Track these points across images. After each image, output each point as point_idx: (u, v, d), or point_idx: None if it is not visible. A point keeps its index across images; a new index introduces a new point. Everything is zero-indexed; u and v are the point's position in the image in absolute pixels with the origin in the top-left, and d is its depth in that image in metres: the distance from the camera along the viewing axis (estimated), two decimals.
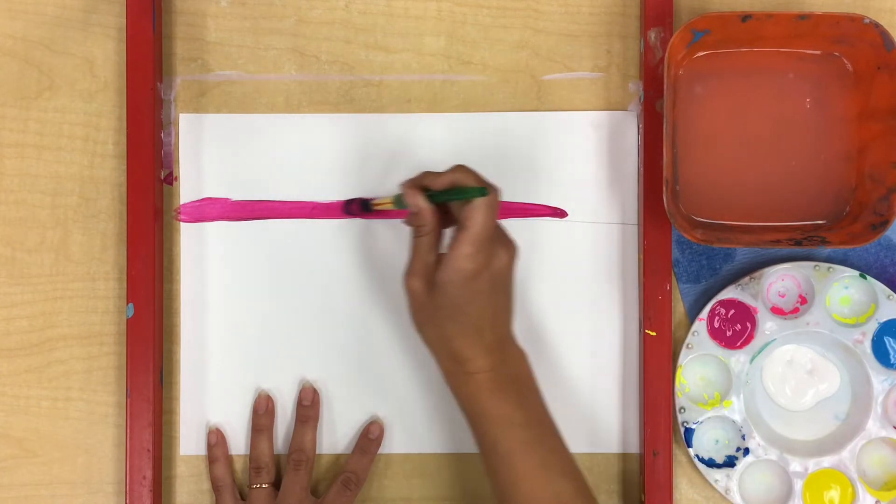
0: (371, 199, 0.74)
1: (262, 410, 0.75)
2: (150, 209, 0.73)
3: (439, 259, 0.66)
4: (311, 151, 0.76)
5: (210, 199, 0.76)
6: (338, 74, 0.77)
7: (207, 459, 0.75)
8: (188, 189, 0.76)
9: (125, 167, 0.74)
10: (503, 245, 0.66)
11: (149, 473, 0.72)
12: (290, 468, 0.73)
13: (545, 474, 0.65)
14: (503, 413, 0.66)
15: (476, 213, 0.63)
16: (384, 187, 0.75)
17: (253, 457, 0.74)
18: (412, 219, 0.67)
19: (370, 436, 0.75)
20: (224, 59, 0.77)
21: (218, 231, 0.76)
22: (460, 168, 0.66)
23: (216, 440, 0.75)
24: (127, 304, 0.73)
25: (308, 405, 0.75)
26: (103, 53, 0.77)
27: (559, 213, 0.76)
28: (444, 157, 0.75)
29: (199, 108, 0.76)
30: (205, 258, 0.76)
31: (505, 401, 0.66)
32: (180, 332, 0.75)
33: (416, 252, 0.67)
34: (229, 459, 0.75)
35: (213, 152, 0.76)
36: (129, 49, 0.74)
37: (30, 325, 0.76)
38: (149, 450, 0.72)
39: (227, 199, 0.76)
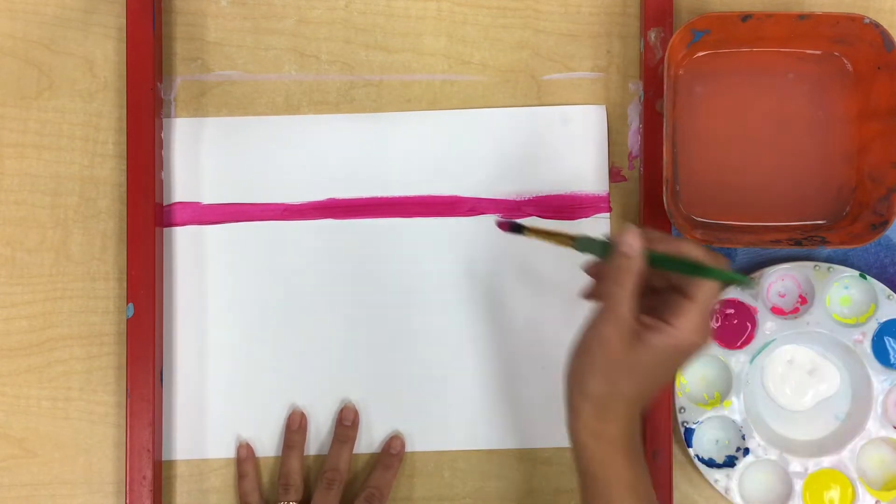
0: (525, 226, 0.69)
1: (296, 427, 0.74)
2: (150, 209, 0.73)
3: (639, 316, 0.62)
4: (308, 153, 0.76)
5: (181, 203, 0.76)
6: (338, 74, 0.77)
7: (237, 474, 0.74)
8: (181, 193, 0.76)
9: (125, 167, 0.74)
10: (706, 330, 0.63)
11: (149, 473, 0.72)
12: (322, 486, 0.72)
13: None
14: (627, 479, 0.62)
15: (718, 291, 0.62)
16: (384, 187, 0.76)
17: (283, 473, 0.73)
18: (615, 263, 0.62)
19: (392, 451, 0.74)
20: (224, 59, 0.77)
21: (216, 233, 0.76)
22: (695, 246, 0.63)
23: (246, 455, 0.74)
24: (127, 304, 0.73)
25: (348, 425, 0.74)
26: (103, 53, 0.77)
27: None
28: (444, 156, 0.76)
29: (199, 108, 0.76)
30: (204, 260, 0.76)
31: (630, 468, 0.63)
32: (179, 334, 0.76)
33: (614, 302, 0.62)
34: (258, 475, 0.74)
35: (208, 156, 0.76)
36: (129, 49, 0.74)
37: (30, 325, 0.76)
38: (149, 450, 0.72)
39: (199, 202, 0.76)
